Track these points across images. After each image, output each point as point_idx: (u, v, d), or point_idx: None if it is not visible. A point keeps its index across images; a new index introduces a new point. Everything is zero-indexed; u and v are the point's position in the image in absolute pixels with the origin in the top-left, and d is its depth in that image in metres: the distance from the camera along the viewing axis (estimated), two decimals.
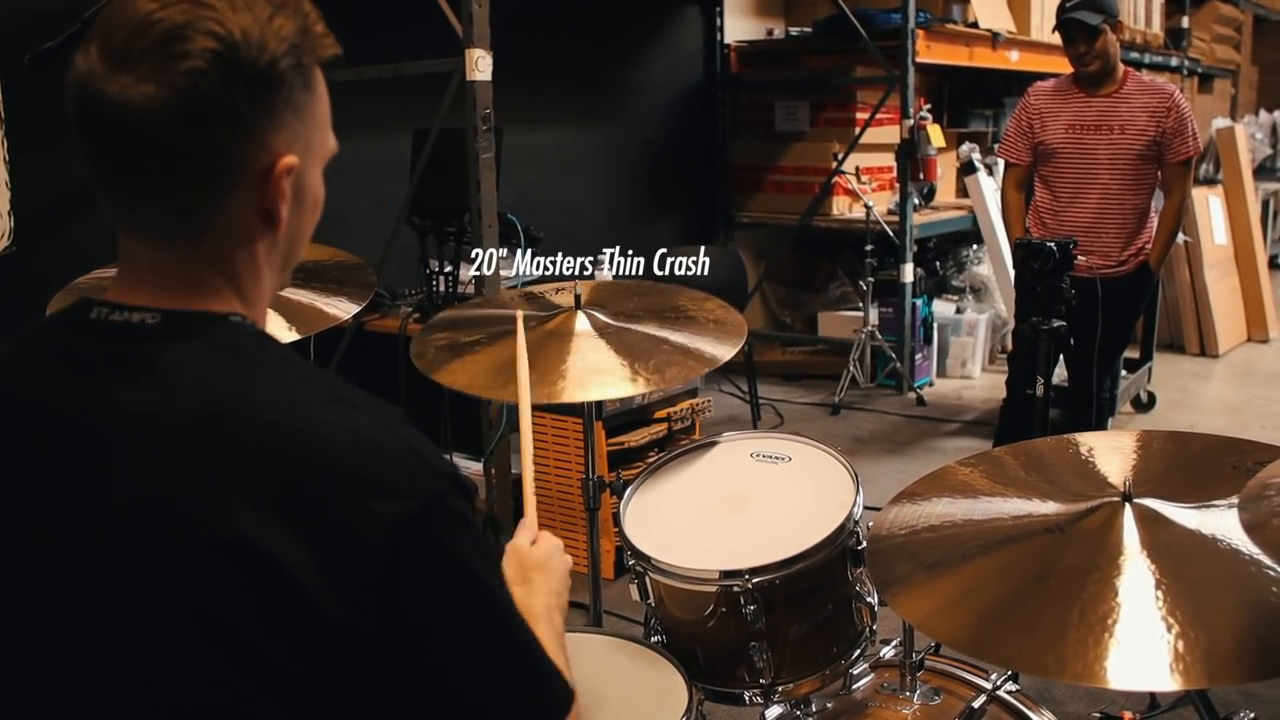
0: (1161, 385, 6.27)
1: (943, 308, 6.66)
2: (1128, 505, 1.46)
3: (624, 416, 3.90)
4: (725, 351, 1.89)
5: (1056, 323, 2.79)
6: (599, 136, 6.03)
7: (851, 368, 5.97)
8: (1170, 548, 1.40)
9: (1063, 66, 4.27)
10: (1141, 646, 1.26)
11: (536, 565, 1.36)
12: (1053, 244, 2.74)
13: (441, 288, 4.12)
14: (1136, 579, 1.36)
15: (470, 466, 4.19)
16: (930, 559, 1.52)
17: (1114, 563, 1.40)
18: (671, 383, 1.78)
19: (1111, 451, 1.65)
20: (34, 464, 0.93)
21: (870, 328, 6.00)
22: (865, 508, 1.86)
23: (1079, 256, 2.92)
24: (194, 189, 0.94)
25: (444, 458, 0.97)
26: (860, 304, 6.06)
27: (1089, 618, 1.31)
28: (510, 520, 4.01)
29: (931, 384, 6.40)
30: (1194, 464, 1.58)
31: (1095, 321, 3.86)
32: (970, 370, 6.54)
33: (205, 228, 0.96)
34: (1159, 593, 1.33)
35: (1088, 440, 1.69)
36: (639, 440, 3.92)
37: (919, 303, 6.24)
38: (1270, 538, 1.16)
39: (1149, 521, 1.44)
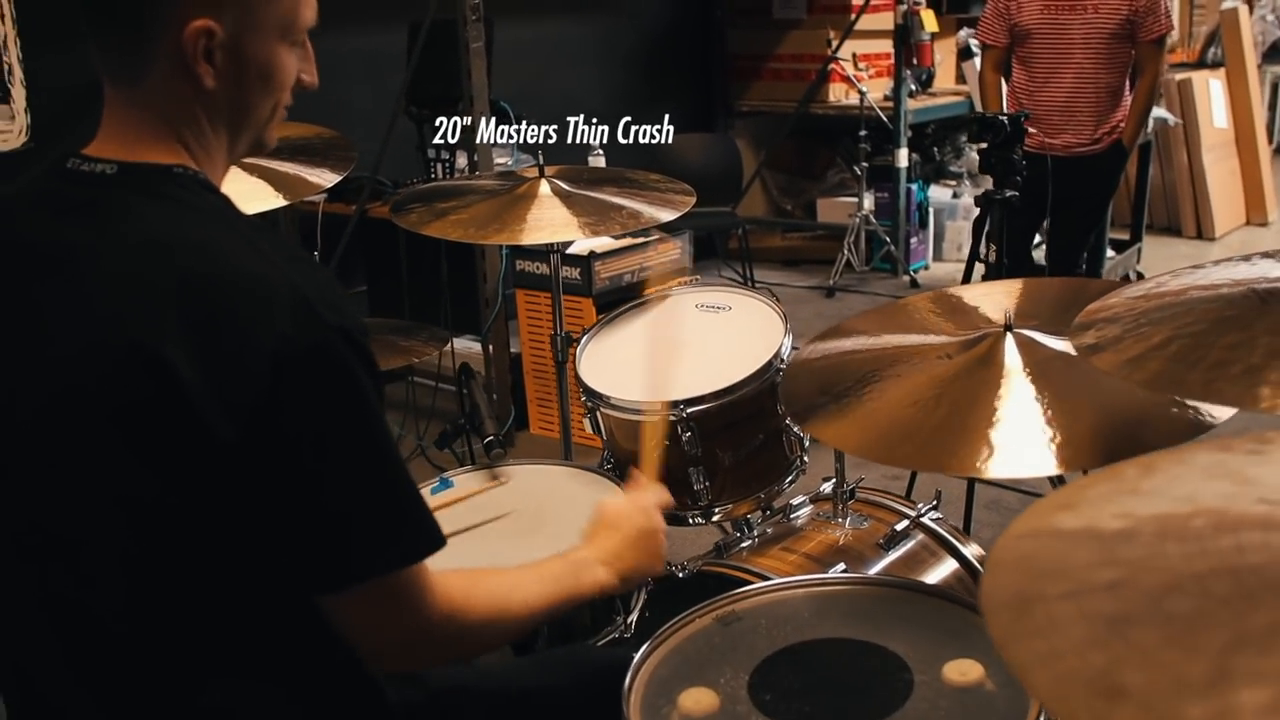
0: (1154, 267, 6.39)
1: (939, 192, 6.77)
2: (1009, 334, 1.66)
3: (615, 293, 4.08)
4: (667, 215, 2.12)
5: (1009, 193, 2.95)
6: (596, 27, 6.13)
7: (846, 251, 6.13)
8: (1044, 366, 1.61)
9: None
10: (1022, 443, 1.48)
11: (606, 523, 1.47)
12: (1004, 117, 2.89)
13: (439, 174, 4.31)
14: (1017, 391, 1.57)
15: (470, 347, 4.42)
16: (835, 387, 1.72)
17: (998, 379, 1.60)
18: (611, 231, 2.01)
19: (992, 296, 1.85)
20: (19, 292, 1.14)
21: (865, 212, 6.14)
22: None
23: (1030, 129, 3.07)
24: (126, 41, 1.12)
25: (344, 310, 1.10)
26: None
27: (979, 423, 1.52)
28: (508, 394, 4.25)
29: (927, 267, 6.55)
30: (1069, 301, 1.77)
31: (1069, 199, 4.02)
32: (966, 254, 6.67)
33: (145, 79, 1.13)
34: (1034, 401, 1.55)
35: (971, 289, 1.90)
36: None
37: (914, 187, 6.36)
38: (1106, 359, 1.33)
39: (1027, 347, 1.64)
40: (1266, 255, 1.33)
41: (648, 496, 1.55)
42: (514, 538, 1.82)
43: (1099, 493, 0.84)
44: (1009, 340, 1.65)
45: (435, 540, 1.16)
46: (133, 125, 1.15)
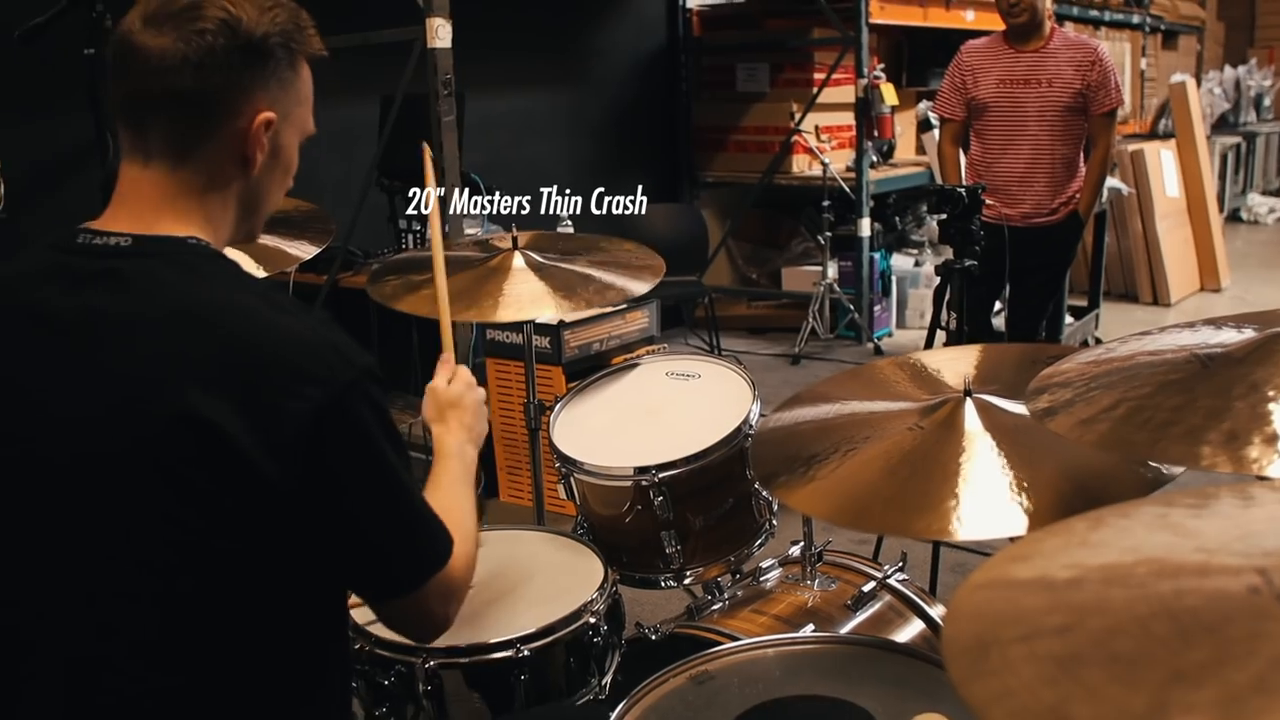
0: (1112, 332, 6.52)
1: (902, 261, 6.90)
2: (968, 399, 1.72)
3: (584, 362, 4.14)
4: (641, 287, 2.14)
5: (968, 262, 3.04)
6: (565, 100, 6.25)
7: (811, 319, 6.23)
8: (1004, 430, 1.66)
9: None
10: (990, 505, 1.52)
11: (450, 403, 1.62)
12: (962, 189, 2.98)
13: (410, 245, 4.37)
14: (981, 455, 1.62)
15: None
16: (803, 453, 1.77)
17: (961, 444, 1.65)
18: (591, 306, 2.06)
19: (952, 362, 1.91)
20: (37, 360, 1.20)
21: (829, 281, 6.25)
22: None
23: (988, 200, 3.16)
24: (190, 123, 1.22)
25: (362, 352, 1.22)
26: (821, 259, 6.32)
27: (947, 488, 1.56)
28: (478, 462, 4.26)
29: (891, 334, 6.66)
30: (1018, 366, 1.84)
31: (1028, 268, 4.13)
32: (928, 321, 6.78)
33: (193, 157, 1.23)
34: (997, 464, 1.60)
35: (931, 355, 1.96)
36: None
37: (876, 256, 6.48)
38: (1060, 422, 1.39)
39: (986, 411, 1.70)
40: (1209, 322, 1.41)
41: (464, 372, 1.69)
42: (493, 602, 1.85)
43: (1051, 545, 0.89)
44: (969, 405, 1.71)
45: (450, 542, 1.31)
46: (155, 200, 1.24)
